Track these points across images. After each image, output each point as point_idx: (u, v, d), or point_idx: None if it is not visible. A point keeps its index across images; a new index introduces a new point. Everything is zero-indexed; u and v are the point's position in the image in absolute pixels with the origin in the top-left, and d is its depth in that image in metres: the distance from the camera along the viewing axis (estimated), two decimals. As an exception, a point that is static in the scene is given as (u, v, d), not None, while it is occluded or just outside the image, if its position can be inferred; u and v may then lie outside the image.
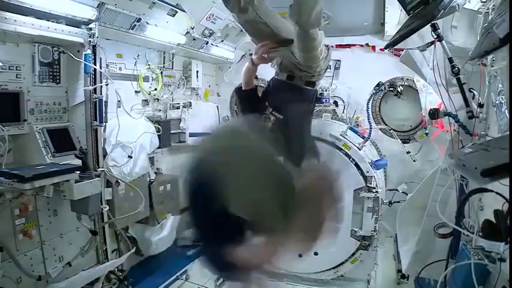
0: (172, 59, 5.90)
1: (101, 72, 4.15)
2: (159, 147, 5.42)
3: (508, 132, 2.67)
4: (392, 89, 6.23)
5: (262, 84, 5.94)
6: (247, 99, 3.69)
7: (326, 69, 3.41)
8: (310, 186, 2.11)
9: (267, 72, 3.70)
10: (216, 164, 1.88)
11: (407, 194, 5.50)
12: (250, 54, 6.35)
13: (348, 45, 6.47)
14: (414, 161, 6.18)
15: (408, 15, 3.55)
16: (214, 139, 2.30)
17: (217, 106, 6.87)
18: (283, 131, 3.24)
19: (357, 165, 5.14)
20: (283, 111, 3.27)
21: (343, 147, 5.16)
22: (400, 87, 6.18)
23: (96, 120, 4.13)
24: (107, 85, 4.30)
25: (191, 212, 2.11)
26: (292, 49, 3.19)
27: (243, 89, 3.74)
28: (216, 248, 1.99)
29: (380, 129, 6.40)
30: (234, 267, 1.96)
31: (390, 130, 6.36)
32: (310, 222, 2.07)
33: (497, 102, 3.01)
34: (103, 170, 4.25)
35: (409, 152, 6.19)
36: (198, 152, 2.15)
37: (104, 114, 4.20)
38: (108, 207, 4.35)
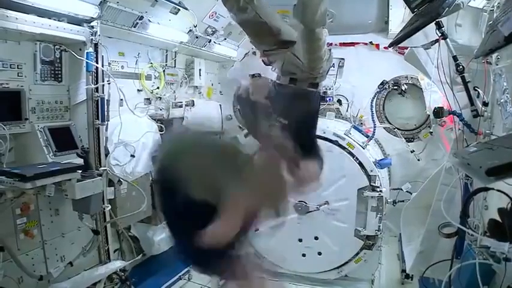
0: (175, 57, 5.88)
1: (102, 71, 4.13)
2: (161, 146, 5.37)
3: (513, 131, 2.65)
4: (396, 87, 6.22)
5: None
6: (251, 107, 3.50)
7: (328, 70, 3.35)
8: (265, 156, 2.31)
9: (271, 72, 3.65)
10: (173, 164, 2.06)
11: (411, 193, 5.48)
12: (254, 53, 6.36)
13: (352, 44, 6.45)
14: (418, 160, 6.16)
15: (412, 13, 3.54)
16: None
17: (220, 105, 6.83)
18: (290, 135, 3.00)
19: (360, 164, 5.11)
20: (288, 116, 3.14)
21: (346, 146, 5.14)
22: (404, 85, 6.18)
23: (98, 118, 4.10)
24: (109, 83, 4.27)
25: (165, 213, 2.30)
26: (294, 51, 3.14)
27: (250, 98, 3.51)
28: (188, 240, 2.05)
29: (384, 128, 6.37)
30: (208, 255, 2.06)
31: (394, 129, 6.34)
32: (268, 183, 2.21)
33: (502, 100, 2.98)
34: (105, 169, 4.23)
35: (414, 151, 6.17)
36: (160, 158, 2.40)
37: (106, 112, 4.18)
38: (110, 207, 4.33)
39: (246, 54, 6.75)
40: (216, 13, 5.43)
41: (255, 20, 3.06)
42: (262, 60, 3.52)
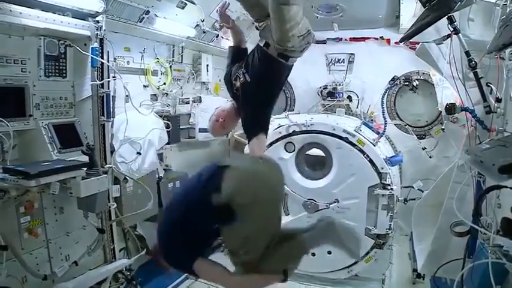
0: (182, 52, 5.82)
1: (108, 66, 4.08)
2: (168, 143, 5.36)
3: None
4: (407, 83, 6.22)
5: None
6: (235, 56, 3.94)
7: (303, 49, 3.41)
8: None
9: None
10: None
11: (423, 191, 5.42)
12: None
13: (362, 39, 6.48)
14: (430, 157, 6.13)
15: (424, 7, 3.58)
16: None
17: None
18: (247, 94, 3.44)
19: (371, 161, 5.00)
20: (251, 75, 3.40)
21: (357, 143, 5.03)
22: (416, 81, 6.16)
23: (103, 115, 4.06)
24: (114, 79, 4.23)
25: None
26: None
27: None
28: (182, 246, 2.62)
29: (395, 124, 6.35)
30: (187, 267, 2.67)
31: (405, 125, 6.33)
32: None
33: (515, 96, 3.00)
34: (110, 167, 4.19)
35: (425, 148, 6.13)
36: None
37: (111, 109, 4.14)
38: (115, 205, 4.29)
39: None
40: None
41: None
42: (255, 27, 3.70)
